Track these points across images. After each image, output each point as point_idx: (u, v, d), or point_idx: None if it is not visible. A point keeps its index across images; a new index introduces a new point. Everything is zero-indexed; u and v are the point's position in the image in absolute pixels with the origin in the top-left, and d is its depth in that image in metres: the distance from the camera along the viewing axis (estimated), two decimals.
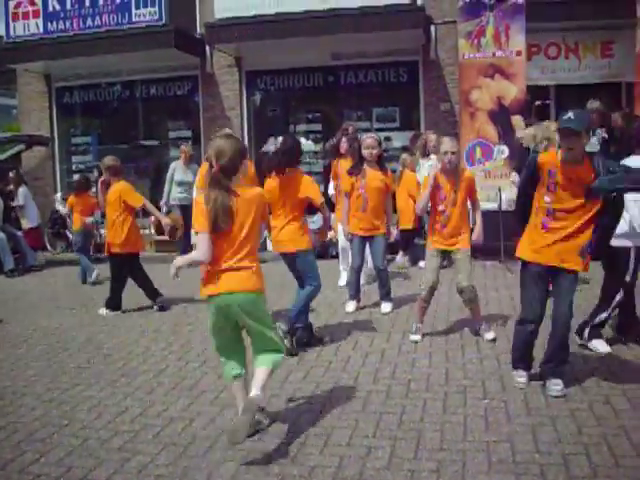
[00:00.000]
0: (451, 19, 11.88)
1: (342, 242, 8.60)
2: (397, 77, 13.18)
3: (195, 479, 3.74)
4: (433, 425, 4.32)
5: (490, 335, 6.15)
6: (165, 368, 5.74)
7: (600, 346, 5.72)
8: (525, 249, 4.90)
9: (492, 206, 10.20)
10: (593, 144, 9.33)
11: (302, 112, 14.16)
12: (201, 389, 5.16)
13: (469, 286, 6.15)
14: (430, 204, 6.22)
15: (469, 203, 6.34)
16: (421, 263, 10.05)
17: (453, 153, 6.03)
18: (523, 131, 9.09)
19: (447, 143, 6.11)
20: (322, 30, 11.67)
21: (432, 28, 12.38)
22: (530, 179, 4.81)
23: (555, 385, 4.72)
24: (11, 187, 12.82)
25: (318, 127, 13.72)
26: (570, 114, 4.50)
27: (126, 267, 7.97)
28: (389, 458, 3.89)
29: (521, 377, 4.97)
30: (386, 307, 7.37)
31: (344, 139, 8.69)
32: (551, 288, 4.95)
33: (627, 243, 5.48)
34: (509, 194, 10.22)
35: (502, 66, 10.61)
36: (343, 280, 8.75)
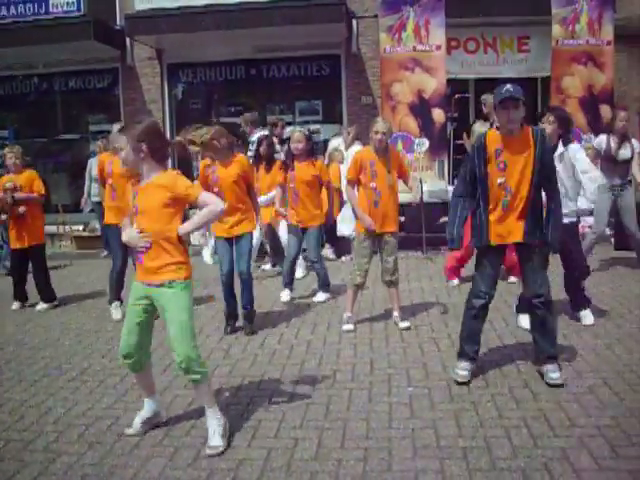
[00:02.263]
0: (372, 13, 12.01)
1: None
2: (319, 70, 13.25)
3: (122, 477, 3.70)
4: (359, 414, 4.38)
5: (405, 324, 6.28)
6: (89, 367, 5.64)
7: (523, 322, 5.99)
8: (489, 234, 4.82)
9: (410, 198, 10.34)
10: None
11: (225, 105, 14.06)
12: (126, 386, 5.09)
13: (397, 268, 6.32)
14: (361, 185, 6.29)
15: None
16: (343, 258, 10.15)
17: (384, 133, 6.12)
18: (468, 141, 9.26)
19: (379, 123, 6.20)
20: (244, 23, 11.60)
21: (354, 22, 12.48)
22: (482, 159, 4.71)
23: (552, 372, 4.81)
24: None
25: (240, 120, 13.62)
26: (507, 86, 4.59)
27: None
28: (316, 448, 3.93)
29: (463, 370, 4.93)
30: (320, 297, 7.47)
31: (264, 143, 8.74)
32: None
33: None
34: (430, 186, 10.43)
35: (422, 60, 10.80)
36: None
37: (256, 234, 8.52)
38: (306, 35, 12.16)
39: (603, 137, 8.13)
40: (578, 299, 6.33)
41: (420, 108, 10.80)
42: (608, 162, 7.98)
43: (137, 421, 4.27)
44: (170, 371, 5.30)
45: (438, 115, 10.79)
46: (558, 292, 7.00)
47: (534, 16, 11.45)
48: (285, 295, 7.58)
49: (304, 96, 13.51)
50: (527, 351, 5.46)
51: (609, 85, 10.98)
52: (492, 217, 4.75)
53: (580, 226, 6.64)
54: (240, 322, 6.57)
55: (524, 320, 6.01)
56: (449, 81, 11.34)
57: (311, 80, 13.33)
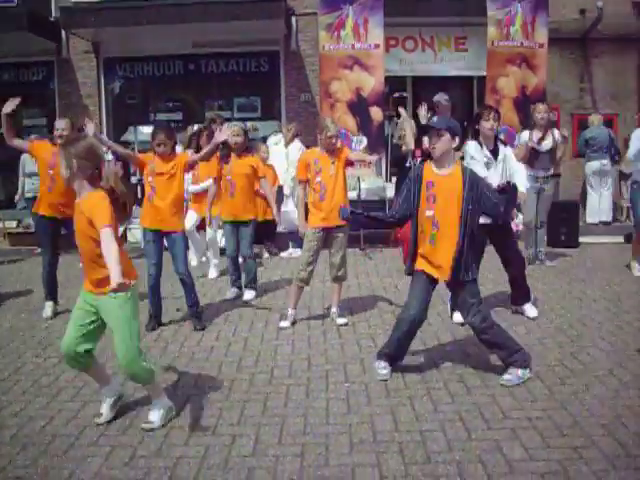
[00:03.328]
0: (312, 10, 12.02)
1: (210, 234, 8.83)
2: (258, 67, 13.22)
3: (57, 478, 3.63)
4: (296, 410, 4.40)
5: (342, 320, 6.34)
6: (22, 366, 5.50)
7: (457, 317, 6.15)
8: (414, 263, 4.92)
9: (352, 195, 10.42)
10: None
11: (163, 100, 13.90)
12: (61, 385, 4.99)
13: (345, 263, 6.38)
14: (309, 182, 6.34)
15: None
16: (283, 253, 10.17)
17: (336, 137, 6.24)
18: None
19: (331, 127, 6.22)
20: (183, 18, 11.48)
21: (293, 19, 12.48)
22: (416, 189, 4.77)
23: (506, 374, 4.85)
24: None
25: (179, 116, 13.51)
26: (434, 118, 4.75)
27: None
28: (254, 445, 3.93)
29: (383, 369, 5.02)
30: (249, 294, 7.40)
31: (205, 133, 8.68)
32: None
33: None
34: (368, 183, 10.51)
35: (361, 58, 10.89)
36: (213, 272, 8.77)
37: (210, 231, 8.64)
38: (245, 31, 12.11)
39: (526, 132, 8.47)
40: (522, 292, 6.51)
41: (358, 106, 10.89)
42: (531, 154, 8.28)
43: (105, 408, 4.29)
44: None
45: (376, 113, 10.89)
46: (496, 286, 7.19)
47: (471, 17, 11.64)
48: (230, 293, 7.55)
49: (243, 92, 13.46)
50: (462, 346, 5.57)
51: (541, 86, 11.25)
52: (421, 250, 4.82)
53: (513, 224, 6.81)
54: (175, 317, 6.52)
55: (458, 316, 6.17)
56: (387, 79, 11.46)
57: (250, 76, 13.28)
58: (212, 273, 8.76)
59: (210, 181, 7.77)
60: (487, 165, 6.15)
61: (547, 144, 8.32)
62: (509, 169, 6.29)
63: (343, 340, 5.88)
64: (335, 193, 6.24)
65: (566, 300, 7.11)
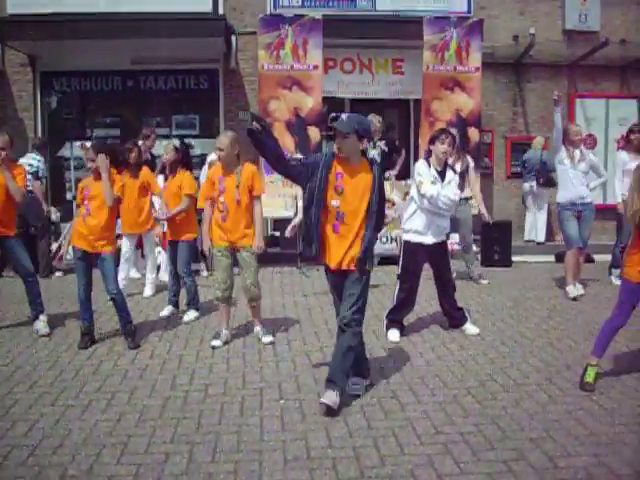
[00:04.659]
0: (252, 30, 12.07)
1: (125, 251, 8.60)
2: (197, 84, 13.16)
3: None
4: (230, 427, 4.38)
5: (268, 339, 6.33)
6: None
7: (392, 336, 6.34)
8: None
9: (289, 214, 10.47)
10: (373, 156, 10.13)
11: (100, 116, 13.71)
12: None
13: (253, 283, 6.27)
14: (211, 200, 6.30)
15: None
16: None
17: (221, 149, 6.12)
18: None
19: (219, 138, 6.25)
20: (121, 33, 11.35)
21: (233, 38, 12.49)
22: (324, 175, 4.71)
23: (353, 384, 4.94)
24: None
25: (117, 132, 13.35)
26: (342, 116, 4.68)
27: None
28: (187, 463, 3.90)
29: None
30: (189, 315, 7.28)
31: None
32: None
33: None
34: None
35: (300, 78, 11.00)
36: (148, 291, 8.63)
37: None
38: (185, 48, 12.05)
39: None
40: (456, 315, 6.67)
41: (296, 126, 10.98)
42: None
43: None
44: (36, 388, 5.12)
45: (314, 133, 10.98)
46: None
47: (408, 40, 11.85)
48: (165, 310, 7.49)
49: (181, 110, 13.37)
50: (396, 363, 5.64)
51: (477, 109, 11.52)
52: (327, 239, 4.79)
53: (449, 243, 6.95)
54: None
55: (393, 335, 6.32)
56: (325, 100, 11.58)
57: (189, 94, 13.22)
58: (147, 291, 8.63)
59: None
60: (433, 183, 6.27)
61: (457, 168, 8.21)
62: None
63: (278, 358, 5.88)
64: (237, 216, 6.17)
65: (498, 317, 7.26)
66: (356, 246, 4.73)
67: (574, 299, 8.06)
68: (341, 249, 4.75)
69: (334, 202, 4.70)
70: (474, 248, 9.62)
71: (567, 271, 8.34)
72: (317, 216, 4.70)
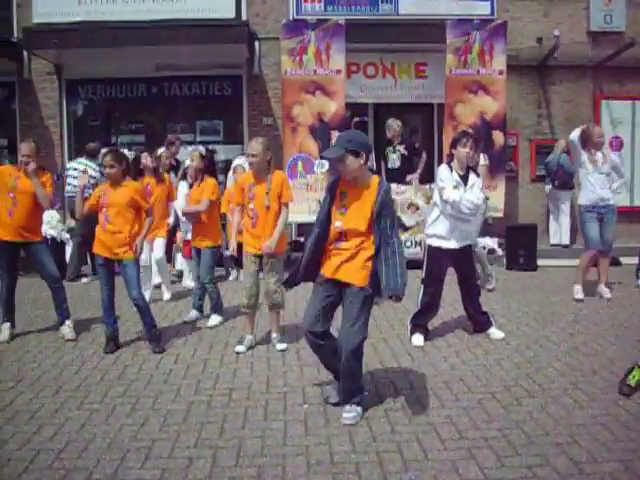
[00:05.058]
0: (274, 35, 12.12)
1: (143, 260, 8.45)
2: (221, 90, 13.24)
3: None
4: (254, 432, 4.39)
5: (282, 346, 6.31)
6: None
7: (416, 340, 6.35)
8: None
9: (312, 219, 10.48)
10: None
11: (125, 123, 13.85)
12: (15, 409, 4.91)
13: (276, 290, 6.24)
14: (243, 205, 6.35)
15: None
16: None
17: (254, 155, 6.12)
18: None
19: (250, 145, 6.27)
20: (145, 41, 11.47)
21: (256, 43, 12.56)
22: (330, 197, 4.67)
23: (346, 412, 4.61)
24: None
25: (141, 138, 13.46)
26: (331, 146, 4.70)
27: None
28: (210, 467, 3.91)
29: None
30: (212, 320, 7.30)
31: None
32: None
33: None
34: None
35: (323, 83, 11.00)
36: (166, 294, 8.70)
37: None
38: (208, 55, 12.16)
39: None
40: (481, 320, 6.65)
41: (320, 130, 10.99)
42: None
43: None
44: (62, 393, 5.17)
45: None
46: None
47: (431, 43, 11.83)
48: (190, 315, 7.54)
49: (205, 116, 13.46)
50: (420, 368, 5.62)
51: (502, 112, 11.44)
52: (327, 256, 4.68)
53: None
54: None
55: (417, 339, 6.32)
56: (348, 105, 11.60)
57: (213, 100, 13.30)
58: (165, 295, 8.65)
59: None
60: (455, 188, 6.24)
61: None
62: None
63: (302, 362, 5.88)
64: (267, 222, 6.22)
65: (523, 322, 7.21)
66: (358, 259, 4.57)
67: (579, 300, 8.11)
68: (339, 259, 4.61)
69: (337, 223, 4.59)
70: (484, 250, 9.43)
71: (578, 271, 8.37)
72: (316, 238, 4.66)
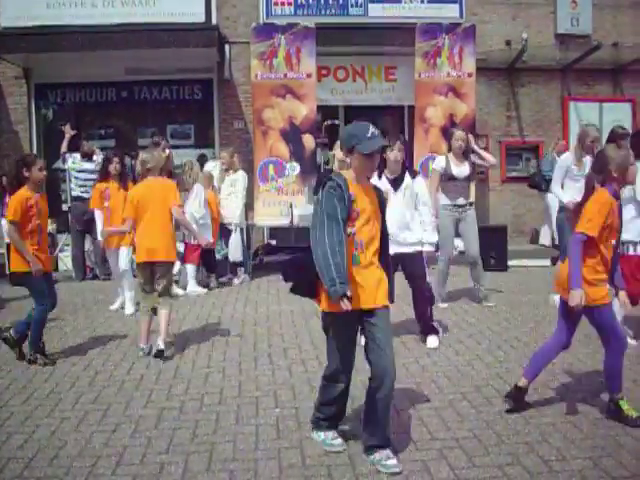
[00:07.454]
0: (245, 39, 12.11)
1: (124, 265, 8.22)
2: (192, 94, 13.23)
3: None
4: (226, 437, 4.38)
5: (166, 351, 6.23)
6: None
7: (431, 342, 6.40)
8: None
9: (284, 222, 10.53)
10: None
11: (95, 127, 13.75)
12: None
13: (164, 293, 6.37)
14: None
15: None
16: (236, 280, 10.03)
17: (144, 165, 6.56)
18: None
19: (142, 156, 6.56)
20: (115, 44, 11.42)
21: (226, 47, 12.55)
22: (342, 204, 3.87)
23: (391, 459, 3.90)
24: None
25: (112, 143, 13.36)
26: (374, 132, 3.96)
27: None
28: (182, 473, 3.90)
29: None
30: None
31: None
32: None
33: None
34: (300, 210, 10.57)
35: (293, 87, 11.01)
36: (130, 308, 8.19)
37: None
38: (178, 59, 12.14)
39: (441, 157, 8.16)
40: (426, 326, 6.56)
41: (291, 134, 10.99)
42: (449, 181, 7.90)
43: None
44: (31, 400, 5.12)
45: (308, 140, 11.01)
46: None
47: (401, 47, 11.89)
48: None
49: (176, 120, 13.43)
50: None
51: (471, 114, 11.54)
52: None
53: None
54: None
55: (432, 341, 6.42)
56: (319, 108, 11.63)
57: (183, 104, 13.28)
58: (129, 308, 8.17)
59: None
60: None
61: (463, 171, 7.88)
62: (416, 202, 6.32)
63: (274, 366, 5.88)
64: (156, 230, 6.38)
65: (494, 322, 7.26)
66: (382, 276, 4.02)
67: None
68: (371, 280, 3.96)
69: (350, 230, 3.89)
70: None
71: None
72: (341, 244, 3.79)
